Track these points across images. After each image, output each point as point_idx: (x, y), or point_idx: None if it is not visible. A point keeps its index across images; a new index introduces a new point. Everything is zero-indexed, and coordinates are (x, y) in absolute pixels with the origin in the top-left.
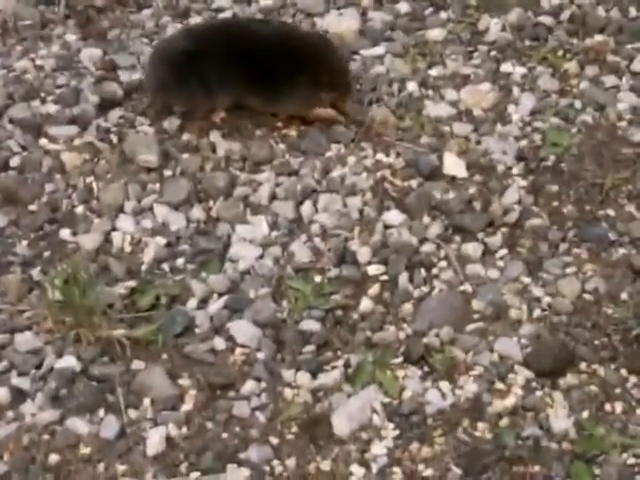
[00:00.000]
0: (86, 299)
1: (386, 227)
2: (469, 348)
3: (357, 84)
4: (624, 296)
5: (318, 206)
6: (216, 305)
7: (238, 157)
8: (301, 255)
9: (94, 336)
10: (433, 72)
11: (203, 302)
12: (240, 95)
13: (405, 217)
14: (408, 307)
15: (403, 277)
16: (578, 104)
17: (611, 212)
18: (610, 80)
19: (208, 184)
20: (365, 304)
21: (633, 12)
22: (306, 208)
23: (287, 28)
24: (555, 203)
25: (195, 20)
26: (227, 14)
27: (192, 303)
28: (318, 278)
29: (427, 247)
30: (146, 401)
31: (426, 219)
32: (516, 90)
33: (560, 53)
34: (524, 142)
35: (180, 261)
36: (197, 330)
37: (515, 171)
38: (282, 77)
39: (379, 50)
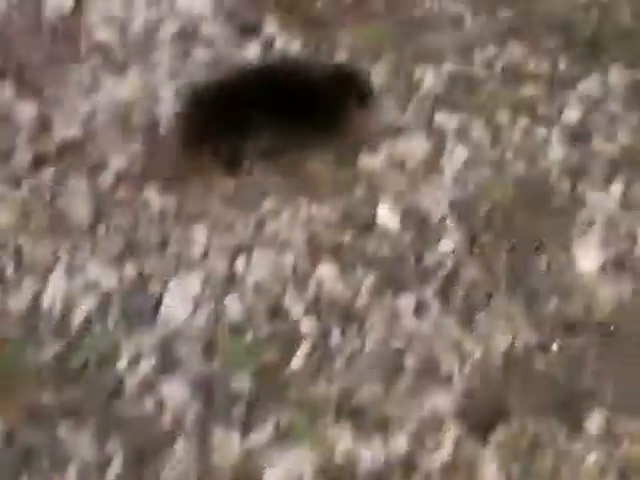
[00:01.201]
0: (13, 363)
1: (320, 281)
2: (400, 405)
3: None
4: (555, 349)
5: (252, 262)
6: (146, 365)
7: (172, 212)
8: (234, 312)
9: (20, 400)
10: None
11: (133, 362)
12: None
13: (339, 271)
14: (340, 364)
15: (335, 333)
16: (510, 155)
17: (543, 263)
18: (541, 131)
19: (141, 240)
20: (297, 361)
21: (564, 63)
22: (239, 264)
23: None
24: (489, 254)
25: (133, 73)
26: (165, 68)
27: (122, 363)
28: (250, 335)
29: (360, 301)
30: (72, 467)
31: (360, 272)
32: (450, 141)
33: (493, 104)
34: (457, 193)
35: (111, 320)
36: (126, 391)
37: (449, 222)
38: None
39: None
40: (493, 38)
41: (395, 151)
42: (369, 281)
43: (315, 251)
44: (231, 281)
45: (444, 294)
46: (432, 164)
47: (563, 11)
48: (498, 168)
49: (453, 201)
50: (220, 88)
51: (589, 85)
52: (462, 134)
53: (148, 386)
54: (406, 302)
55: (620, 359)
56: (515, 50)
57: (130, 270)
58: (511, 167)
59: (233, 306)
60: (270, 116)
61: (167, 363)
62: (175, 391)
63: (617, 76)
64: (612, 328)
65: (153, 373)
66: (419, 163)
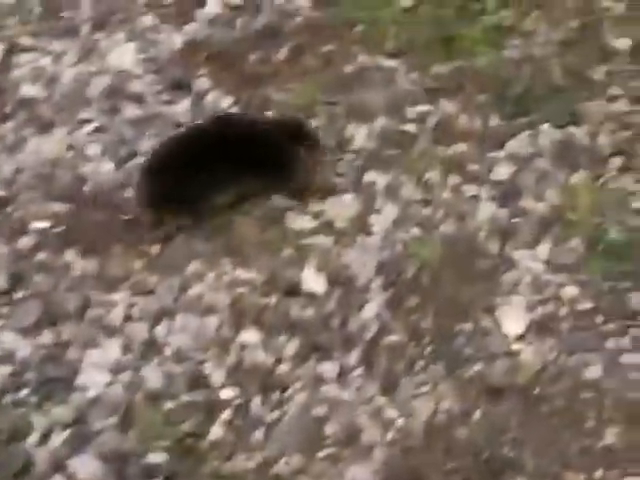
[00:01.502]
0: None
1: (242, 347)
2: (320, 475)
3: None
4: (476, 416)
5: (173, 327)
6: (58, 440)
7: (93, 276)
8: (153, 380)
9: None
10: None
11: (45, 437)
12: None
13: (262, 336)
14: (259, 433)
15: (256, 401)
16: (439, 214)
17: (468, 326)
18: (471, 189)
19: (60, 306)
20: (215, 431)
21: (495, 120)
22: (161, 329)
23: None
24: (414, 317)
25: (59, 131)
26: (93, 125)
27: (33, 438)
28: (169, 405)
29: (283, 367)
30: None
31: (283, 338)
32: (379, 200)
33: (424, 161)
34: (385, 254)
35: (24, 392)
36: (36, 469)
37: (375, 284)
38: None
39: None
40: (425, 95)
41: (324, 210)
42: (292, 347)
43: (239, 315)
44: (151, 347)
45: (368, 360)
46: (361, 224)
47: (495, 67)
48: (427, 227)
49: (381, 262)
50: (176, 147)
51: (519, 143)
52: (392, 192)
53: (58, 463)
54: (329, 368)
55: (542, 425)
56: (447, 107)
57: (47, 337)
58: (440, 226)
59: (152, 374)
60: (232, 169)
61: (80, 436)
62: (87, 467)
63: (547, 134)
64: (536, 392)
65: (65, 448)
66: (348, 223)
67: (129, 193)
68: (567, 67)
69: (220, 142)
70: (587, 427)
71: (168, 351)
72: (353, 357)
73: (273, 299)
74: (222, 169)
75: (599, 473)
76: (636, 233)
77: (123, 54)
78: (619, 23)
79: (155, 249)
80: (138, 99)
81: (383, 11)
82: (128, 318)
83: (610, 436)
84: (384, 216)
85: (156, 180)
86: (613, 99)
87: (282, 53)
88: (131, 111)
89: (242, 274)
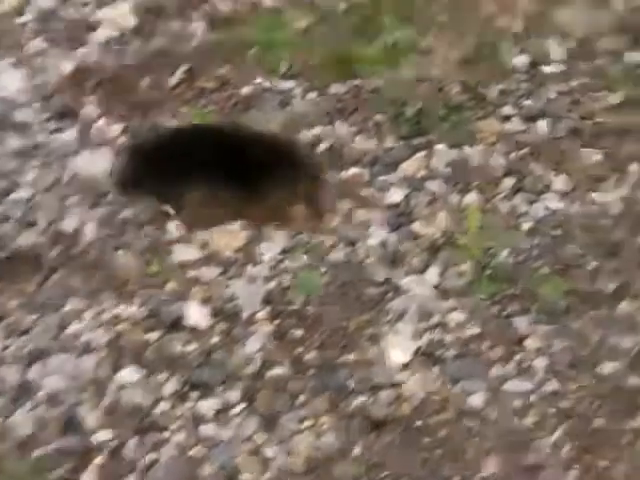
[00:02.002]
0: None
1: (120, 387)
2: None
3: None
4: (357, 451)
5: (48, 368)
6: None
7: None
8: (23, 427)
9: None
10: None
11: None
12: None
13: (141, 374)
14: (133, 478)
15: (131, 443)
16: (330, 241)
17: (353, 357)
18: (362, 214)
19: None
20: (87, 478)
21: (390, 142)
22: (35, 371)
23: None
24: (299, 349)
25: None
26: None
27: None
28: (39, 451)
29: (161, 407)
30: None
31: (163, 375)
32: (269, 228)
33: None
34: (273, 284)
35: None
36: None
37: (261, 316)
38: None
39: None
40: (321, 117)
41: (211, 240)
42: (172, 385)
43: (118, 354)
44: (24, 391)
45: (249, 396)
46: (248, 254)
47: (392, 87)
48: (316, 255)
49: (268, 293)
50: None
51: (413, 164)
52: (282, 220)
53: None
54: (209, 406)
55: (421, 458)
56: (342, 129)
57: None
58: (330, 254)
59: (23, 419)
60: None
61: None
62: None
63: (441, 155)
64: (418, 423)
65: None
66: (235, 252)
67: (6, 228)
68: (464, 86)
69: (209, 148)
70: (467, 458)
71: (41, 394)
72: (234, 394)
73: (155, 335)
74: (198, 170)
75: None
76: (524, 255)
77: (9, 81)
78: (517, 41)
79: (32, 287)
80: (23, 129)
81: (278, 33)
82: (0, 361)
83: (490, 466)
84: (273, 244)
85: (135, 164)
86: (507, 118)
87: (175, 77)
88: (15, 142)
89: (123, 310)
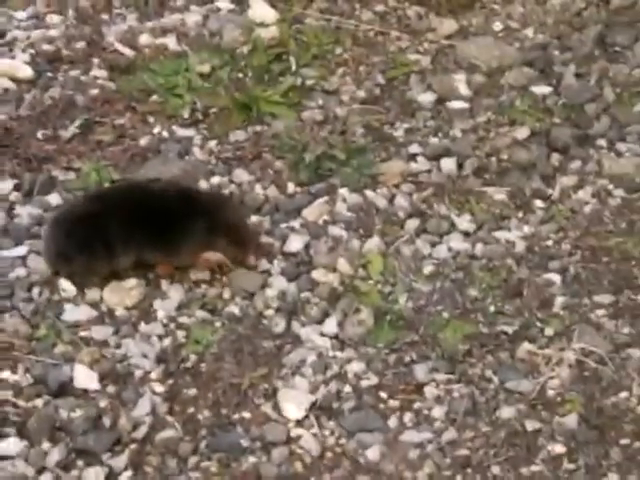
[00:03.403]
0: None
1: (2, 458)
2: None
3: None
4: None
5: None
6: None
7: None
8: None
9: None
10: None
11: None
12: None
13: (24, 444)
14: None
15: None
16: (227, 294)
17: (247, 414)
18: (262, 264)
19: None
20: None
21: (291, 188)
22: None
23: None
24: (191, 409)
25: None
26: None
27: None
28: None
29: (44, 479)
30: None
31: (47, 444)
32: (165, 283)
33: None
34: (167, 341)
35: None
36: None
37: (153, 376)
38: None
39: (21, 250)
40: (221, 165)
41: (104, 298)
42: (57, 454)
43: (0, 424)
44: None
45: (138, 461)
46: (144, 310)
47: (294, 131)
48: (213, 309)
49: (161, 351)
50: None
51: (314, 210)
52: (180, 272)
53: None
54: (95, 475)
55: None
56: (242, 177)
57: None
58: (226, 307)
59: None
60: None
61: None
62: None
63: (343, 199)
64: None
65: None
66: (130, 309)
67: None
68: (368, 126)
69: (130, 207)
70: None
71: None
72: (122, 459)
73: (41, 401)
74: (126, 233)
75: None
76: (425, 300)
77: None
78: (424, 77)
79: None
80: None
81: (179, 78)
82: None
83: None
84: (169, 300)
85: (62, 238)
86: (411, 158)
87: (70, 130)
88: None
89: (8, 376)
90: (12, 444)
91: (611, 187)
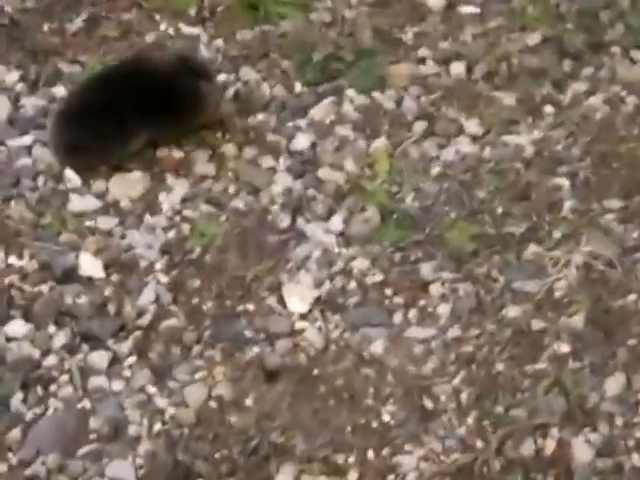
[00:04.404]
0: None
1: (7, 340)
2: (78, 475)
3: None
4: (249, 402)
5: None
6: None
7: None
8: None
9: None
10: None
11: None
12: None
13: (30, 327)
14: (16, 433)
15: (16, 398)
16: (232, 189)
17: (251, 307)
18: (268, 161)
19: None
20: None
21: (298, 87)
22: None
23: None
24: (195, 300)
25: None
26: None
27: None
28: None
29: (49, 360)
30: None
31: (52, 328)
32: (169, 177)
33: (219, 134)
34: (171, 234)
35: None
36: None
37: (158, 266)
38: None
39: (27, 139)
40: (227, 63)
41: (109, 189)
42: (62, 338)
43: (6, 307)
44: None
45: (142, 347)
46: (149, 202)
47: (302, 32)
48: (218, 204)
49: (166, 243)
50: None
51: (321, 110)
52: (185, 167)
53: None
54: (100, 359)
55: (316, 407)
56: (249, 75)
57: None
58: (231, 202)
59: None
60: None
61: None
62: None
63: (351, 100)
64: (315, 372)
65: None
66: (134, 202)
67: None
68: (377, 29)
69: (127, 87)
70: (364, 405)
71: None
72: (127, 345)
73: (46, 287)
74: (131, 114)
75: (370, 453)
76: (431, 200)
77: None
78: None
79: None
80: None
81: None
82: None
83: (387, 413)
84: (173, 193)
85: (69, 131)
86: (420, 61)
87: (76, 24)
88: None
89: (14, 262)
90: (18, 326)
91: (624, 94)
